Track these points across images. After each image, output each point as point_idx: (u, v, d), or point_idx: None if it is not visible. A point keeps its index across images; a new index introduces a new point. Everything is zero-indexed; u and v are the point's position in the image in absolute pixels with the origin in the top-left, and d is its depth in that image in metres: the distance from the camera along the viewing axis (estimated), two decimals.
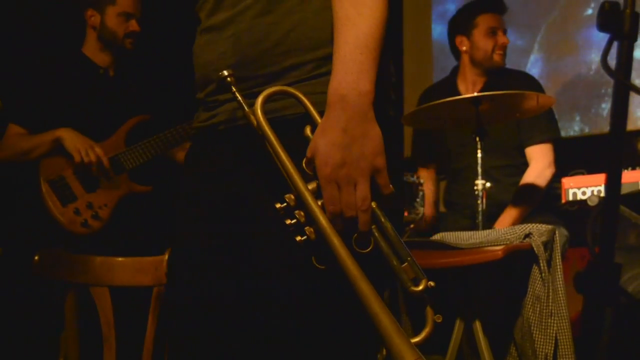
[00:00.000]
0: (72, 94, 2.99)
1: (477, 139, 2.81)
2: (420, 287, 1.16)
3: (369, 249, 1.17)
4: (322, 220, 1.15)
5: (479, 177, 2.80)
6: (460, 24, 3.40)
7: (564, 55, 4.20)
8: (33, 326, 2.78)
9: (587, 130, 4.11)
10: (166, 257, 1.91)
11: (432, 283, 1.17)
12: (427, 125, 3.24)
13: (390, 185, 1.19)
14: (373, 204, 1.17)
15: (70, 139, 2.86)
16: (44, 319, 2.70)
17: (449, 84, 3.46)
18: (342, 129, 1.16)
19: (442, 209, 3.68)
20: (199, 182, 1.39)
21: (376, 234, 1.17)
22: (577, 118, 4.04)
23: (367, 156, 1.16)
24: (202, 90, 1.40)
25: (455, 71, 3.47)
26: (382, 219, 1.17)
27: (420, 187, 3.01)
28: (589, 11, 4.13)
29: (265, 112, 1.24)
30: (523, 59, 4.27)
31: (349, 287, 1.12)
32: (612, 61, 0.98)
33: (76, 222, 2.86)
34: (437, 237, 2.71)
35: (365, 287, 1.11)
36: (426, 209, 3.17)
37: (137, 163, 3.00)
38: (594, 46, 4.09)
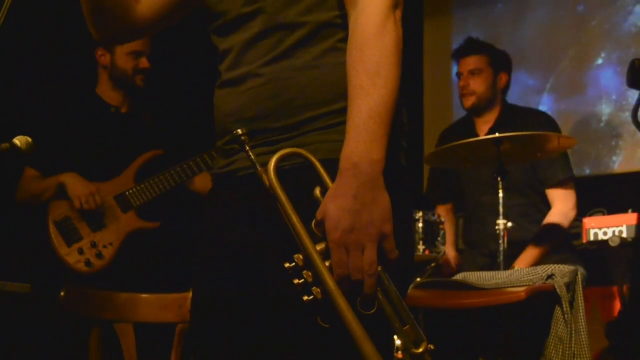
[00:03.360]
0: (84, 135, 3.02)
1: (499, 178, 2.82)
2: (421, 349, 1.20)
3: (372, 311, 1.21)
4: (330, 282, 1.19)
5: (500, 217, 2.80)
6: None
7: (574, 105, 4.13)
8: None
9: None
10: (190, 294, 1.93)
11: (431, 346, 1.21)
12: (449, 164, 3.26)
13: (396, 250, 1.22)
14: (378, 268, 1.21)
15: (72, 184, 2.92)
16: (68, 354, 2.71)
17: (467, 123, 3.49)
18: (353, 195, 1.20)
19: (460, 245, 3.68)
20: (218, 227, 1.43)
21: (380, 297, 1.21)
22: (587, 171, 3.98)
23: (376, 222, 1.20)
24: (221, 139, 1.45)
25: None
26: (386, 282, 1.21)
27: (441, 226, 3.02)
28: (599, 61, 4.12)
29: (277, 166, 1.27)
30: (534, 100, 4.26)
31: (353, 347, 1.16)
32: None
33: (80, 261, 2.90)
34: (459, 277, 2.71)
35: (369, 349, 1.16)
36: (448, 250, 3.17)
37: (145, 200, 3.00)
38: (604, 97, 4.04)
